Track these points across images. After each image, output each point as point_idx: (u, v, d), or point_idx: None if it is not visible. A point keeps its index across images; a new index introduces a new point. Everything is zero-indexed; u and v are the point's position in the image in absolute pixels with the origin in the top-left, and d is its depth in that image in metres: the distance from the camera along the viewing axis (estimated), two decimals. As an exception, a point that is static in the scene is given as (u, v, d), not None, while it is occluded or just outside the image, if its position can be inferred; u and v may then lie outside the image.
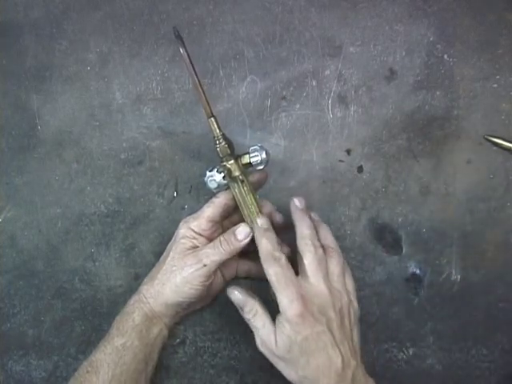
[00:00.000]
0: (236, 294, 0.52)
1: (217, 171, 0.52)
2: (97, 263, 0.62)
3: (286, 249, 0.56)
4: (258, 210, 0.53)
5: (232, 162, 0.52)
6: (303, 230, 0.52)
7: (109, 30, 0.62)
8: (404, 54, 0.62)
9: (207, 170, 0.52)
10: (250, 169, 0.54)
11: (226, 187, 0.53)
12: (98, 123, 0.62)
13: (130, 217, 0.62)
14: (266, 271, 0.49)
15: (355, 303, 0.51)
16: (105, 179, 0.62)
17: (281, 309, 0.48)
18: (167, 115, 0.62)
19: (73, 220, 0.62)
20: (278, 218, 0.56)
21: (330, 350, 0.47)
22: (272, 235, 0.51)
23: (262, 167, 0.53)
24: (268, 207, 0.56)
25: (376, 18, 0.62)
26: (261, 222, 0.52)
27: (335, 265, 0.52)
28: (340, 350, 0.47)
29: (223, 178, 0.51)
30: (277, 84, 0.62)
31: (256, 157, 0.52)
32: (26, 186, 0.62)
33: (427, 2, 0.62)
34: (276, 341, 0.48)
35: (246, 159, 0.53)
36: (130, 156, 0.62)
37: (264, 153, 0.52)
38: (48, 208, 0.62)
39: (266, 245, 0.50)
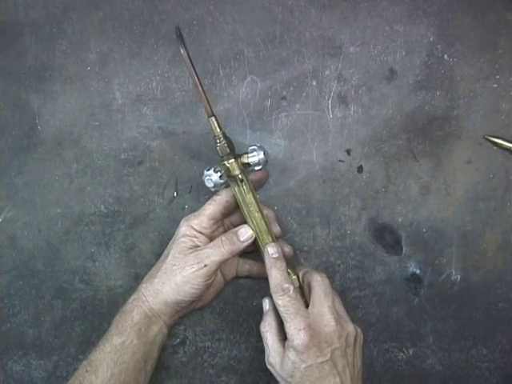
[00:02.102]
0: (265, 302, 0.54)
1: (214, 170, 0.52)
2: (97, 263, 0.62)
3: (288, 249, 0.57)
4: (257, 209, 0.53)
5: (232, 161, 0.52)
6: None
7: (109, 30, 0.62)
8: (404, 53, 0.62)
9: (205, 169, 0.53)
10: (249, 168, 0.54)
11: (224, 186, 0.53)
12: (97, 123, 0.62)
13: (129, 217, 0.62)
14: (274, 301, 0.51)
15: (359, 329, 0.52)
16: (105, 179, 0.62)
17: (288, 336, 0.49)
18: (167, 115, 0.62)
19: (73, 220, 0.62)
20: (276, 230, 0.56)
21: (330, 379, 0.48)
22: (282, 264, 0.52)
23: (259, 167, 0.53)
24: (270, 215, 0.56)
25: (376, 17, 0.62)
26: (271, 250, 0.52)
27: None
28: (341, 379, 0.48)
29: (220, 177, 0.52)
30: (277, 84, 0.62)
31: (254, 157, 0.53)
32: (26, 186, 0.62)
33: (427, 2, 0.62)
34: (282, 363, 0.50)
35: (244, 159, 0.53)
36: (129, 156, 0.62)
37: (262, 153, 0.53)
38: (48, 208, 0.62)
39: (276, 276, 0.51)
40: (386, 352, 0.61)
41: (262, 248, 0.53)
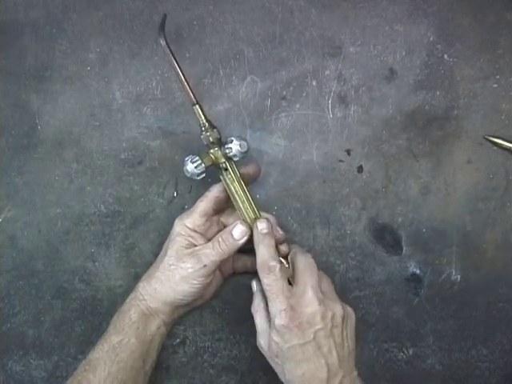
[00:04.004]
0: (253, 284, 0.55)
1: (190, 161, 0.52)
2: (97, 263, 0.62)
3: (285, 248, 0.57)
4: (243, 199, 0.53)
5: (215, 150, 0.52)
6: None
7: (109, 30, 0.62)
8: (404, 53, 0.62)
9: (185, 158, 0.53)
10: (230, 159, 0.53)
11: (201, 177, 0.53)
12: (98, 123, 0.62)
13: (130, 217, 0.62)
14: (260, 279, 0.50)
15: (349, 308, 0.51)
16: (105, 179, 0.62)
17: (271, 316, 0.49)
18: (167, 115, 0.62)
19: (73, 220, 0.62)
20: (279, 235, 0.56)
21: (315, 360, 0.48)
22: (270, 241, 0.51)
23: (237, 159, 0.53)
24: (271, 220, 0.56)
25: (376, 17, 0.62)
26: (261, 226, 0.52)
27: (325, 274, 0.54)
28: (326, 361, 0.48)
29: (195, 167, 0.52)
30: (277, 84, 0.62)
31: (229, 149, 0.52)
32: (26, 186, 0.62)
33: (427, 2, 0.62)
34: (269, 342, 0.50)
35: (223, 150, 0.53)
36: (129, 156, 0.62)
37: (238, 145, 0.52)
38: (48, 208, 0.62)
39: (263, 252, 0.51)
40: (386, 352, 0.61)
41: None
